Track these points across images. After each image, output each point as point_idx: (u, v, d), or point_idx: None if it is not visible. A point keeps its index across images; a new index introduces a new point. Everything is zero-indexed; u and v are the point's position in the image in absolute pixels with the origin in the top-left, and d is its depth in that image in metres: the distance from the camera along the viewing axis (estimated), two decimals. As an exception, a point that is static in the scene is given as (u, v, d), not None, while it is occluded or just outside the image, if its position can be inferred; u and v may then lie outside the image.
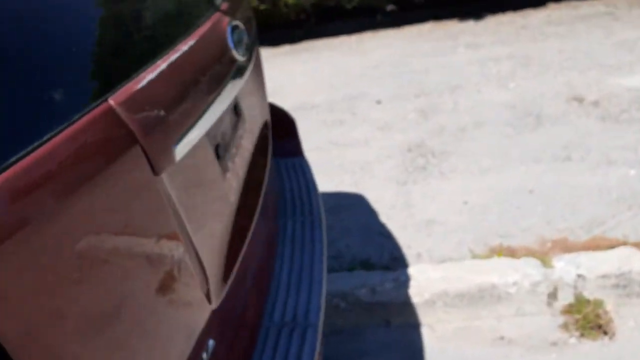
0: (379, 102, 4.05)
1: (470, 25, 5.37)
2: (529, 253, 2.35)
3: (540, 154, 3.07)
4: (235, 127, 1.44)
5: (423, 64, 4.60)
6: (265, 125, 1.84)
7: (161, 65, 1.01)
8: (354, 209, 2.86)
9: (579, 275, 2.13)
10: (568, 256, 2.25)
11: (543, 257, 2.30)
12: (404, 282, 2.23)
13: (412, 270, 2.27)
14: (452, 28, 5.36)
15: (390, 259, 2.46)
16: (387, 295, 2.19)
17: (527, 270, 2.18)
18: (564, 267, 2.18)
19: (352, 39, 5.58)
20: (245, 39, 1.43)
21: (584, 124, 3.31)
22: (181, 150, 0.98)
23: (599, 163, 2.90)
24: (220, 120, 1.25)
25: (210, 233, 1.11)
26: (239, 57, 1.35)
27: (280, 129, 2.20)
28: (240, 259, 1.21)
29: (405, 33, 5.45)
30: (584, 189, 2.72)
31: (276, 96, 4.56)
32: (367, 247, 2.55)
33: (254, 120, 1.67)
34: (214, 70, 1.20)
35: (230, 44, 1.33)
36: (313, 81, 4.62)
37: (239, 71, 1.37)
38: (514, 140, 3.25)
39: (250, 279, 1.39)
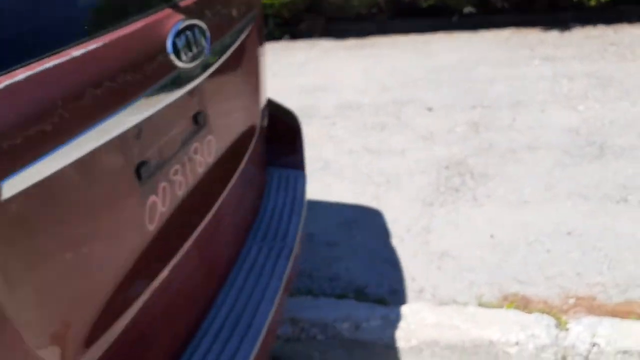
0: (429, 109, 3.75)
1: (553, 35, 4.89)
2: (546, 308, 2.02)
3: (592, 190, 2.68)
4: (189, 139, 1.27)
5: (489, 73, 4.23)
6: (248, 133, 1.65)
7: (21, 74, 0.83)
8: (366, 227, 2.62)
9: (595, 345, 1.79)
10: (589, 319, 1.91)
11: (560, 315, 1.98)
12: (393, 321, 1.98)
13: (405, 309, 2.01)
14: (532, 37, 4.91)
15: (388, 291, 2.21)
16: (370, 334, 1.95)
17: (535, 330, 1.87)
18: (581, 332, 1.85)
19: (422, 38, 5.25)
20: (203, 42, 1.24)
21: (653, 162, 2.87)
22: (20, 183, 0.79)
23: (659, 211, 2.49)
24: (139, 134, 1.08)
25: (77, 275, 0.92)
26: (182, 63, 1.17)
27: (283, 137, 2.01)
28: (122, 318, 1.01)
29: (479, 38, 5.06)
30: (632, 240, 2.33)
31: (324, 92, 4.37)
32: (368, 273, 2.31)
33: (229, 129, 1.49)
34: (122, 79, 1.01)
35: (169, 49, 1.15)
36: (367, 79, 4.37)
37: (182, 79, 1.19)
38: (567, 170, 2.87)
39: (171, 319, 1.21)
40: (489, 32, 5.15)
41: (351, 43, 5.40)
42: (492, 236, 2.45)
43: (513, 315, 1.95)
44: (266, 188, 1.83)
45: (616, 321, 1.89)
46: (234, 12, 1.51)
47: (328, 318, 2.00)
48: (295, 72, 4.76)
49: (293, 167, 1.94)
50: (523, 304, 2.06)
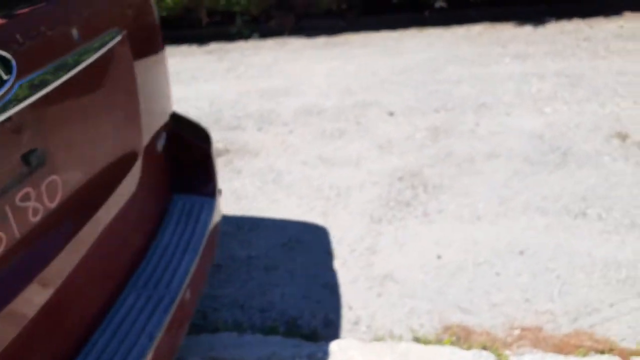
0: (391, 114, 3.58)
1: (526, 31, 4.71)
2: (488, 341, 1.87)
3: (550, 203, 2.52)
4: (16, 183, 1.09)
5: (457, 73, 4.05)
6: (123, 161, 1.46)
7: None
8: (310, 248, 2.45)
9: (534, 389, 1.64)
10: (532, 355, 1.75)
11: (502, 350, 1.82)
12: (319, 360, 1.82)
13: (334, 347, 1.86)
14: (505, 33, 4.73)
15: (322, 322, 2.05)
16: (294, 374, 1.80)
17: (471, 369, 1.71)
18: (521, 372, 1.69)
19: (393, 35, 5.07)
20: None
21: (617, 169, 2.70)
22: None
23: (618, 226, 2.32)
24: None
25: None
26: None
27: (193, 159, 1.84)
28: None
29: (451, 34, 4.88)
30: (588, 259, 2.17)
31: (287, 96, 4.19)
32: (304, 301, 2.15)
33: (87, 163, 1.31)
34: None
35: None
36: (332, 81, 4.20)
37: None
38: (526, 181, 2.71)
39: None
40: (461, 28, 4.97)
41: (322, 41, 5.22)
42: (439, 257, 2.29)
43: (449, 353, 1.79)
44: (165, 220, 1.66)
45: (560, 358, 1.73)
46: (74, 33, 1.31)
47: (250, 358, 1.85)
48: (260, 74, 4.58)
49: (202, 193, 1.78)
50: (464, 336, 1.90)
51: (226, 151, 3.37)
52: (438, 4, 4.99)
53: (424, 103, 3.66)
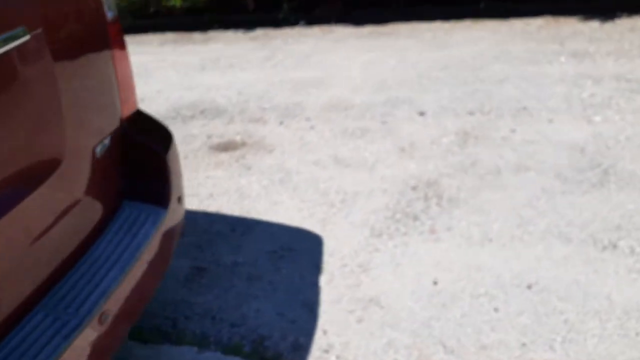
0: (421, 113, 3.30)
1: (592, 26, 4.26)
2: (466, 392, 1.62)
3: (576, 230, 2.20)
4: None
5: (503, 71, 3.70)
6: (38, 171, 1.31)
7: None
8: (299, 258, 2.26)
9: None
10: (512, 417, 1.49)
11: (479, 405, 1.57)
12: (273, 391, 1.64)
13: (291, 376, 1.67)
14: (566, 28, 4.30)
15: (291, 346, 1.86)
16: (242, 405, 1.63)
17: None
18: None
19: (444, 26, 4.74)
20: None
21: (665, 195, 2.34)
22: None
23: (652, 265, 1.99)
24: None
25: None
26: None
27: (148, 163, 1.69)
28: None
29: (507, 27, 4.49)
30: (606, 302, 1.86)
31: (318, 88, 3.97)
32: (278, 319, 1.97)
33: None
34: None
35: None
36: (367, 75, 3.95)
37: None
38: (553, 201, 2.39)
39: None
40: (519, 21, 4.57)
41: (367, 30, 4.96)
42: (435, 282, 2.04)
43: (416, 401, 1.56)
44: (105, 231, 1.52)
45: (543, 423, 1.46)
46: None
47: (199, 381, 1.69)
48: (297, 64, 4.40)
49: (153, 202, 1.62)
50: (440, 382, 1.67)
51: (242, 145, 3.22)
52: (495, -5, 4.61)
53: (459, 103, 3.36)
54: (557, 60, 3.78)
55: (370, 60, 4.24)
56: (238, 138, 3.30)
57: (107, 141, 1.56)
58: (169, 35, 5.70)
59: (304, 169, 2.90)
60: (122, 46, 1.70)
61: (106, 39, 1.60)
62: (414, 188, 2.60)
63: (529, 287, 1.96)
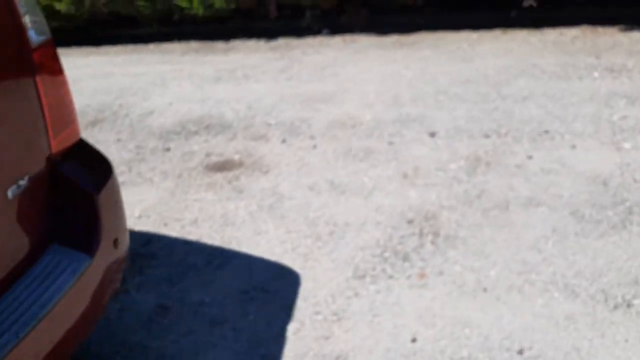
0: (432, 134, 3.04)
1: (633, 38, 3.88)
2: None
3: (586, 281, 1.91)
4: None
5: (528, 88, 3.39)
6: None
7: None
8: (270, 301, 2.05)
9: None
10: None
11: None
12: None
13: None
14: (604, 39, 3.93)
15: (240, 408, 1.66)
16: None
17: None
18: None
19: (472, 36, 4.43)
20: None
21: (696, 242, 2.01)
22: None
23: (670, 332, 1.68)
24: None
25: None
26: None
27: (78, 203, 1.52)
28: None
29: (538, 38, 4.15)
30: (611, 377, 1.57)
31: (327, 103, 3.73)
32: (231, 374, 1.77)
33: None
34: None
35: None
36: (382, 89, 3.70)
37: None
38: (564, 243, 2.10)
39: None
40: (553, 31, 4.22)
41: (391, 40, 4.70)
42: (413, 340, 1.79)
43: None
44: (20, 281, 1.35)
45: None
46: None
47: None
48: (311, 77, 4.19)
49: (79, 248, 1.44)
50: None
51: (239, 165, 3.04)
52: (527, 2, 4.27)
53: (475, 124, 3.08)
54: (589, 76, 3.44)
55: (387, 73, 3.99)
56: (236, 157, 3.12)
57: (23, 182, 1.40)
58: (193, 44, 5.59)
59: (298, 194, 2.69)
60: (54, 72, 1.54)
61: (29, 66, 1.44)
62: (410, 222, 2.35)
63: (520, 352, 1.69)
